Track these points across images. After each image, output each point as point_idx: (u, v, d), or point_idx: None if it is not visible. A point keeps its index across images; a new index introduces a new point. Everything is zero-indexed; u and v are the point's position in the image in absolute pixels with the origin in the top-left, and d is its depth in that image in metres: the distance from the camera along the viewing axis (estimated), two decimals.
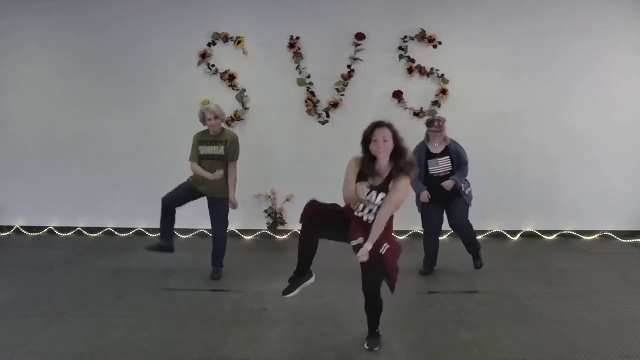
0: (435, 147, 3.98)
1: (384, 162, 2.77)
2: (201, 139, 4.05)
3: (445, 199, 4.02)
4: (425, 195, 3.95)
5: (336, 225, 2.79)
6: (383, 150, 2.71)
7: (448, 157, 3.96)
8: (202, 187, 4.03)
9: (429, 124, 3.98)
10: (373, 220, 2.74)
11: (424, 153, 3.98)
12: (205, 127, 4.04)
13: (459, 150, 4.00)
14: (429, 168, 3.97)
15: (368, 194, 2.75)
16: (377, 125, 2.74)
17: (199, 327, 3.31)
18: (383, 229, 2.72)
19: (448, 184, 3.92)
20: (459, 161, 3.98)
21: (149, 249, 4.12)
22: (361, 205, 2.78)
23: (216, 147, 4.00)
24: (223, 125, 4.13)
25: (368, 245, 2.67)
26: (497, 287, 3.95)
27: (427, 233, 4.18)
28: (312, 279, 3.02)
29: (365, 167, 2.76)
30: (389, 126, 2.75)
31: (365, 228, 2.75)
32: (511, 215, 5.27)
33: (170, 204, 4.05)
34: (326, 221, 2.78)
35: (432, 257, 4.23)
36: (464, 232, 4.15)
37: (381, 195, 2.74)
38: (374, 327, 3.05)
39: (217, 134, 4.03)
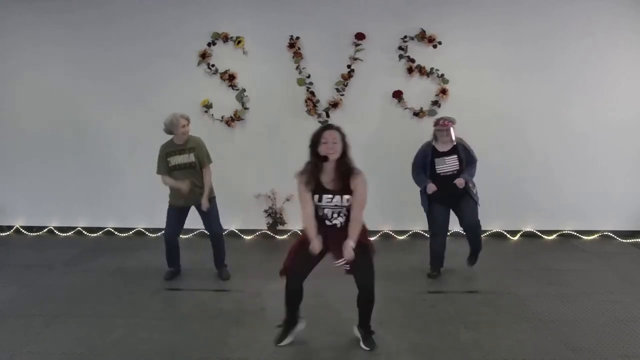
0: (443, 146, 3.93)
1: (331, 166, 2.81)
2: (168, 150, 3.91)
3: (453, 199, 3.97)
4: (432, 187, 3.86)
5: (313, 262, 2.89)
6: (333, 151, 2.75)
7: (456, 156, 3.90)
8: (184, 201, 3.97)
9: (436, 122, 3.96)
10: (344, 222, 2.85)
11: (431, 151, 3.94)
12: (170, 138, 3.93)
13: (467, 148, 3.95)
14: (437, 167, 3.92)
15: (332, 199, 2.81)
16: (327, 127, 2.84)
17: (199, 327, 3.31)
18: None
19: (461, 182, 3.83)
20: (467, 160, 3.92)
21: (167, 279, 4.15)
22: (331, 213, 2.86)
23: (186, 156, 3.91)
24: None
25: (351, 242, 2.74)
26: (497, 287, 3.95)
27: (434, 234, 4.12)
28: (302, 326, 3.13)
29: (311, 179, 2.81)
30: (338, 129, 2.83)
31: (339, 233, 2.82)
32: (511, 215, 5.26)
33: (173, 237, 4.10)
34: (306, 270, 2.91)
35: (439, 259, 4.17)
36: (475, 231, 4.07)
37: (346, 196, 2.81)
38: (368, 324, 3.03)
39: (183, 143, 3.91)
